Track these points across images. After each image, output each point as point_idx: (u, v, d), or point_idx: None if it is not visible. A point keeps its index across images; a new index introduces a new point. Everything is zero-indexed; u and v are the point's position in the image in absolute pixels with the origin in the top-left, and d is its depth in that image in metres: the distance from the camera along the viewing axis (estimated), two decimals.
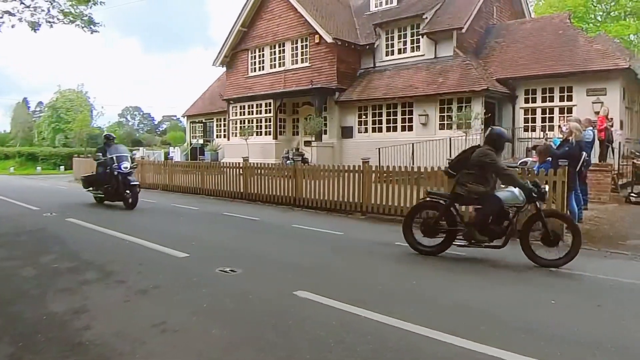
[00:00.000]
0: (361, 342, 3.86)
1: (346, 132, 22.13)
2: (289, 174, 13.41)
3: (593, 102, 16.67)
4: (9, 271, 6.09)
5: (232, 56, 26.09)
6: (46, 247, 7.58)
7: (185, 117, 33.84)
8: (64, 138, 52.29)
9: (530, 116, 18.59)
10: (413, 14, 21.18)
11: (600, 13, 39.52)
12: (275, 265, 6.50)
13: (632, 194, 13.70)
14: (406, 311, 4.56)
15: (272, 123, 23.55)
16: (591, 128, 12.46)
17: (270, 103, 23.60)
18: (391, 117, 20.76)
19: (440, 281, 5.92)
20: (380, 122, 21.12)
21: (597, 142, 14.40)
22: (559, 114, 17.54)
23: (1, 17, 13.48)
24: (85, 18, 14.32)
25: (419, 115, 19.58)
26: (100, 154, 13.01)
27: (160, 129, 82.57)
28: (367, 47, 22.27)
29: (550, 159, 9.43)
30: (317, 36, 21.88)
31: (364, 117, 21.61)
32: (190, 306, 4.70)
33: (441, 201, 7.30)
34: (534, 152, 11.74)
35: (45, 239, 8.26)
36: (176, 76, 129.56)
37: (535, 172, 8.98)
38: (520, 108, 18.78)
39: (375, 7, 24.51)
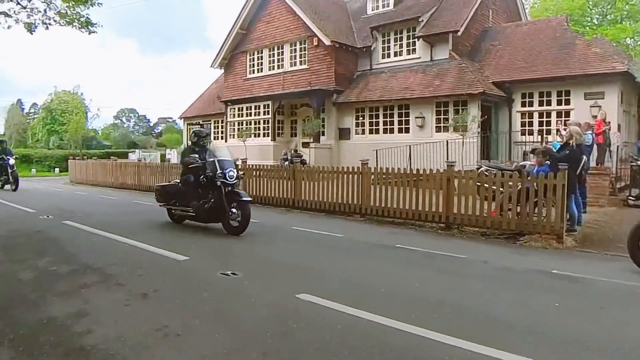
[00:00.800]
0: (366, 346, 3.84)
1: (344, 134, 22.15)
2: (287, 175, 13.39)
3: (591, 106, 16.69)
4: (7, 274, 6.04)
5: (230, 58, 26.11)
6: (44, 250, 7.51)
7: (182, 119, 33.75)
8: (58, 140, 52.05)
9: (527, 120, 18.61)
10: (409, 17, 21.26)
11: (597, 16, 39.62)
12: (277, 268, 6.47)
13: (630, 197, 13.74)
14: (410, 314, 4.56)
15: (270, 125, 23.54)
16: (590, 132, 12.53)
17: (268, 105, 23.60)
18: (388, 119, 20.78)
19: (444, 284, 5.90)
20: (377, 123, 21.15)
21: (595, 146, 14.49)
22: (557, 117, 17.53)
23: None
24: (82, 19, 14.25)
25: (416, 117, 19.62)
26: (196, 157, 9.42)
27: (156, 131, 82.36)
28: (364, 49, 22.33)
29: (548, 162, 9.46)
30: (315, 39, 21.93)
31: (361, 118, 21.65)
32: (192, 310, 4.67)
33: None
34: (532, 155, 11.75)
35: (43, 242, 8.19)
36: (173, 78, 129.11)
37: (535, 175, 9.00)
38: (517, 112, 18.80)
39: (372, 10, 24.61)
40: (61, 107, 53.90)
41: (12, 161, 18.77)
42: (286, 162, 18.42)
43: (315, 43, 22.02)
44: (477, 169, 12.69)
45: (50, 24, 13.85)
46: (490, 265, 6.86)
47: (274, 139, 23.32)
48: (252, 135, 23.60)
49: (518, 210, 9.05)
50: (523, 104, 18.74)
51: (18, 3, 13.42)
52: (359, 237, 9.12)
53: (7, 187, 18.90)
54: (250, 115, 24.41)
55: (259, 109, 24.00)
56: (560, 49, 18.65)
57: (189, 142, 10.63)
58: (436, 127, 19.27)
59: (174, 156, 30.51)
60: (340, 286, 5.62)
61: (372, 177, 11.45)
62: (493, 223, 9.31)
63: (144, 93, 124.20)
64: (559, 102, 17.91)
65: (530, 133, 18.34)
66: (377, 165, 15.82)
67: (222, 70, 27.26)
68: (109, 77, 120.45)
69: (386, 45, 22.15)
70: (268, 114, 23.57)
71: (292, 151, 21.37)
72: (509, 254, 7.90)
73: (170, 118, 77.83)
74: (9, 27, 13.59)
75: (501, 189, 9.35)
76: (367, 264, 6.95)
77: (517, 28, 21.94)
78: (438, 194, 9.99)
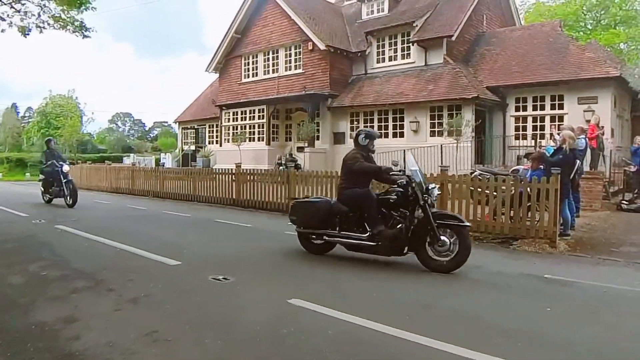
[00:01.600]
0: (358, 351, 3.85)
1: (338, 138, 22.18)
2: (282, 180, 13.37)
3: (584, 111, 16.78)
4: None
5: (225, 62, 26.15)
6: (35, 254, 7.47)
7: (177, 123, 33.76)
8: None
9: (521, 124, 18.70)
10: (403, 22, 21.35)
11: (591, 21, 39.86)
12: (269, 273, 6.45)
13: (624, 202, 13.78)
14: (403, 319, 4.54)
15: (265, 129, 23.57)
16: (584, 136, 12.56)
17: (263, 109, 23.63)
18: (382, 124, 20.84)
19: (435, 289, 5.89)
20: (372, 128, 21.14)
21: (588, 150, 14.52)
22: (550, 122, 17.63)
23: None
24: (76, 23, 14.23)
25: (410, 122, 19.67)
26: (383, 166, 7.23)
27: (152, 135, 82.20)
28: (359, 54, 22.42)
29: (542, 166, 9.48)
30: (310, 43, 21.99)
31: (356, 123, 21.68)
32: (182, 315, 4.65)
33: None
34: (525, 160, 11.79)
35: (34, 247, 8.16)
36: (169, 82, 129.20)
37: (528, 179, 9.02)
38: (511, 116, 18.89)
39: (367, 15, 24.72)
40: (56, 111, 53.70)
41: (66, 168, 14.50)
42: (281, 167, 18.42)
43: (310, 47, 22.07)
44: (471, 173, 12.71)
45: (44, 28, 13.83)
46: (483, 269, 6.85)
47: (268, 144, 23.34)
48: (247, 140, 23.61)
49: (511, 215, 9.07)
50: (517, 109, 18.83)
51: (12, 6, 13.40)
52: None
53: (58, 201, 14.72)
54: (245, 120, 24.43)
55: (254, 113, 24.02)
56: (554, 53, 18.75)
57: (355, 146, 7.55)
58: (430, 131, 19.32)
59: (168, 160, 30.42)
60: (333, 291, 5.60)
61: None
62: (487, 227, 9.31)
63: (140, 97, 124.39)
64: (553, 107, 18.01)
65: (524, 137, 18.44)
66: None
67: (217, 75, 27.28)
68: (105, 81, 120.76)
69: (381, 49, 22.22)
70: (263, 118, 23.59)
71: (287, 155, 21.36)
72: (502, 258, 7.90)
73: (166, 122, 77.79)
74: (2, 30, 13.56)
75: (494, 193, 9.37)
76: (361, 268, 6.92)
77: (511, 33, 22.07)
78: None
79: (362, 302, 5.15)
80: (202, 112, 30.31)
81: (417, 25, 20.89)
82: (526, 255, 8.16)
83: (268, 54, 24.34)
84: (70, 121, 45.94)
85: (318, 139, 22.33)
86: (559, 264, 7.44)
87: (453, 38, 19.85)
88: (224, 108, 25.63)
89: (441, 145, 17.24)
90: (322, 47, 21.28)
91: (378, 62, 22.29)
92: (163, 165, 28.27)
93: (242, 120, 24.62)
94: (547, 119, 18.00)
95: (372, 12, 24.61)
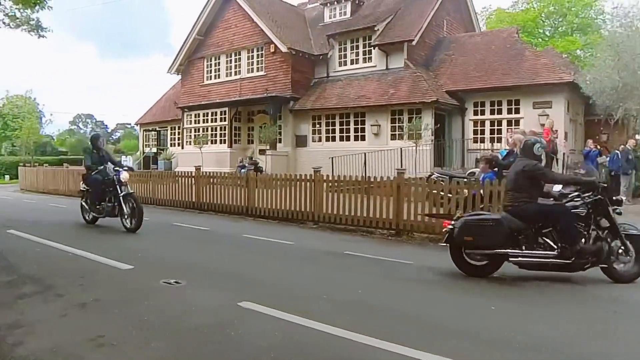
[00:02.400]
0: (303, 353, 3.90)
1: (300, 141, 22.25)
2: (241, 183, 13.36)
3: (539, 115, 17.30)
4: None
5: (187, 64, 25.95)
6: None
7: (139, 125, 33.27)
8: (10, 146, 50.30)
9: (479, 128, 19.14)
10: (365, 26, 21.60)
11: (549, 28, 41.08)
12: (222, 276, 6.46)
13: None
14: (350, 320, 4.61)
15: (227, 131, 23.43)
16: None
17: (225, 111, 23.48)
18: (344, 127, 21.02)
19: (386, 290, 6.01)
20: (333, 131, 21.35)
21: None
22: (507, 125, 18.09)
23: None
24: (32, 22, 13.91)
25: (371, 125, 19.89)
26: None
27: (114, 138, 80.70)
28: (321, 57, 22.56)
29: (496, 169, 9.75)
30: (272, 46, 22.00)
31: (318, 126, 21.82)
32: (130, 319, 4.62)
33: None
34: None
35: None
36: (134, 83, 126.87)
37: (481, 181, 9.26)
38: (470, 120, 19.31)
39: (330, 18, 24.87)
40: (13, 112, 52.14)
41: (124, 176, 10.31)
42: (242, 170, 18.37)
43: (272, 50, 22.09)
44: (429, 176, 12.95)
45: None
46: (434, 270, 7.02)
47: (230, 146, 23.21)
48: (209, 142, 23.43)
49: None
50: (475, 113, 19.27)
51: None
52: (309, 244, 9.17)
53: (111, 220, 10.59)
54: (207, 122, 24.25)
55: (216, 115, 23.87)
56: (511, 59, 19.28)
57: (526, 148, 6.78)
58: (391, 134, 19.59)
59: (129, 163, 29.84)
60: (283, 294, 5.65)
61: (326, 184, 11.53)
62: (442, 229, 9.48)
63: (103, 98, 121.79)
64: (510, 111, 18.51)
65: (483, 141, 18.87)
66: (332, 172, 15.95)
67: (180, 76, 27.03)
68: (66, 82, 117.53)
69: (343, 53, 22.42)
70: (225, 120, 23.46)
71: (248, 158, 21.31)
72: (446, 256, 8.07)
73: (129, 124, 76.39)
74: None
75: (449, 195, 9.57)
76: (314, 271, 7.01)
77: (470, 38, 22.57)
78: (389, 201, 10.15)
79: (312, 304, 5.21)
80: (164, 114, 29.97)
81: (378, 30, 21.15)
82: None
83: (230, 56, 24.25)
84: (28, 122, 44.65)
85: (280, 141, 22.35)
86: (510, 264, 7.63)
87: (414, 43, 20.19)
88: (185, 110, 25.40)
89: (401, 149, 17.49)
90: (284, 49, 21.32)
91: (340, 65, 22.48)
92: None
93: (204, 122, 24.43)
94: (505, 122, 18.48)
95: (335, 15, 24.78)
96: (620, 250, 6.31)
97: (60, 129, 77.19)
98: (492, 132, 18.81)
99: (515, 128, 16.20)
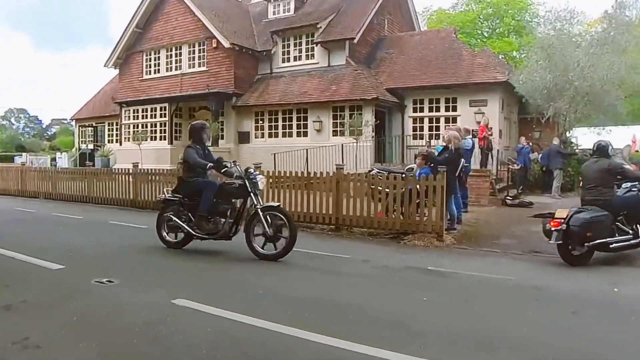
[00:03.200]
0: (235, 348, 3.92)
1: (243, 137, 22.07)
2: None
3: (475, 112, 17.83)
4: None
5: (125, 58, 25.10)
6: None
7: (75, 121, 32.06)
8: None
9: (418, 125, 19.60)
10: (308, 23, 21.64)
11: (487, 30, 42.43)
12: (157, 274, 6.37)
13: (508, 197, 14.84)
14: (286, 315, 4.65)
15: (167, 128, 22.90)
16: (471, 137, 13.39)
17: (165, 107, 22.95)
18: (287, 123, 21.02)
19: (323, 283, 6.10)
20: (276, 127, 21.30)
21: (477, 150, 15.52)
22: (445, 123, 18.58)
23: None
24: None
25: (313, 121, 19.99)
26: None
27: (49, 133, 77.28)
28: (264, 53, 22.40)
29: (431, 165, 10.01)
30: (214, 40, 21.66)
31: (261, 122, 21.70)
32: (59, 320, 4.50)
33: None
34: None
35: None
36: (71, 77, 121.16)
37: (417, 177, 9.50)
38: (409, 117, 19.73)
39: (273, 14, 24.74)
40: None
41: (263, 181, 7.79)
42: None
43: (214, 45, 21.75)
44: (369, 171, 13.15)
45: None
46: (370, 264, 7.17)
47: (171, 143, 22.71)
48: (148, 139, 22.85)
49: (402, 211, 9.50)
50: (415, 110, 19.70)
51: None
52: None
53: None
54: (147, 118, 23.64)
55: (156, 111, 23.30)
56: (449, 58, 19.83)
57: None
58: (333, 131, 19.74)
59: (64, 160, 28.77)
60: (219, 290, 5.64)
61: (267, 180, 11.48)
62: (380, 223, 9.68)
63: (38, 92, 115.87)
64: (447, 109, 19.03)
65: (422, 137, 19.32)
66: (275, 168, 15.92)
67: (118, 70, 26.18)
68: None
69: (286, 49, 22.37)
70: (165, 116, 22.93)
71: None
72: (391, 253, 8.27)
73: (65, 119, 73.38)
74: None
75: (387, 190, 9.77)
76: (251, 266, 6.99)
77: (410, 38, 23.03)
78: (328, 196, 10.26)
79: (247, 299, 5.23)
80: (101, 109, 28.97)
81: (321, 27, 21.24)
82: (415, 249, 8.58)
83: (171, 50, 23.69)
84: None
85: (222, 138, 22.07)
86: (443, 257, 7.90)
87: (355, 40, 20.41)
88: (124, 105, 24.64)
89: (342, 145, 17.67)
90: (226, 44, 21.07)
91: (283, 61, 22.42)
92: (56, 166, 26.69)
93: (143, 118, 23.79)
94: (442, 120, 18.99)
95: (278, 11, 24.67)
96: None
97: None
98: (430, 129, 19.30)
99: (452, 125, 16.68)
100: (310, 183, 10.74)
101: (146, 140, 22.50)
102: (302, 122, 20.60)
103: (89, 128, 30.60)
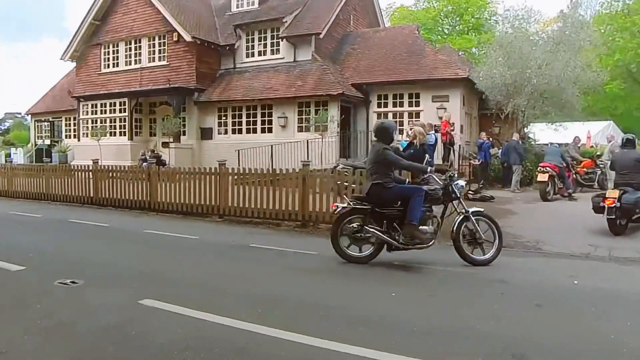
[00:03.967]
0: (206, 348, 3.86)
1: (205, 134, 21.79)
2: (143, 177, 12.89)
3: (437, 108, 18.15)
4: None
5: (83, 50, 24.39)
6: None
7: (30, 115, 31.00)
8: None
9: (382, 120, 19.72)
10: (273, 17, 21.50)
11: (448, 27, 43.16)
12: (122, 274, 6.22)
13: (470, 191, 15.10)
14: (255, 313, 4.63)
15: (127, 123, 22.40)
16: (433, 132, 13.60)
17: (125, 102, 22.43)
18: (251, 119, 20.86)
19: (290, 281, 6.09)
20: (240, 123, 21.12)
21: (440, 145, 15.75)
22: (409, 118, 18.81)
23: None
24: None
25: (279, 117, 19.91)
26: None
27: (2, 128, 74.48)
28: (228, 47, 22.13)
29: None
30: (175, 34, 21.29)
31: (224, 118, 21.47)
32: (22, 324, 4.34)
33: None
34: None
35: None
36: (25, 69, 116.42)
37: None
38: (374, 112, 19.87)
39: (237, 7, 24.42)
40: None
41: (462, 184, 7.66)
42: (144, 163, 17.70)
43: (175, 38, 21.37)
44: (335, 167, 13.21)
45: None
46: (337, 260, 7.17)
47: (131, 139, 22.23)
48: (108, 134, 22.28)
49: None
50: (379, 105, 19.87)
51: None
52: (215, 238, 9.08)
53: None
54: (105, 113, 23.04)
55: (115, 106, 22.73)
56: (412, 55, 20.04)
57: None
58: (298, 127, 19.72)
59: (19, 156, 27.85)
60: (187, 290, 5.55)
61: (231, 177, 11.40)
62: None
63: None
64: (410, 104, 19.26)
65: None
66: (239, 165, 15.80)
67: (75, 63, 25.41)
68: None
69: (250, 44, 22.16)
70: (125, 111, 22.40)
71: (150, 151, 20.49)
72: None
73: (19, 113, 70.83)
74: None
75: (353, 186, 9.80)
76: (219, 265, 6.95)
77: (375, 34, 23.15)
78: (295, 193, 10.24)
79: (216, 298, 5.19)
80: (58, 103, 28.07)
81: (286, 22, 21.12)
82: None
83: (130, 44, 23.12)
84: None
85: (184, 134, 21.73)
86: (408, 252, 7.96)
87: (321, 36, 20.39)
88: (81, 100, 23.95)
89: (308, 141, 17.67)
90: (188, 38, 20.72)
91: (247, 56, 22.20)
92: (11, 162, 25.80)
93: (102, 113, 23.18)
94: (406, 115, 19.20)
95: (242, 5, 24.30)
96: None
97: None
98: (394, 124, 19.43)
99: (415, 120, 16.88)
100: (276, 180, 10.69)
101: (105, 135, 21.94)
102: (266, 118, 20.49)
103: (46, 123, 29.64)
